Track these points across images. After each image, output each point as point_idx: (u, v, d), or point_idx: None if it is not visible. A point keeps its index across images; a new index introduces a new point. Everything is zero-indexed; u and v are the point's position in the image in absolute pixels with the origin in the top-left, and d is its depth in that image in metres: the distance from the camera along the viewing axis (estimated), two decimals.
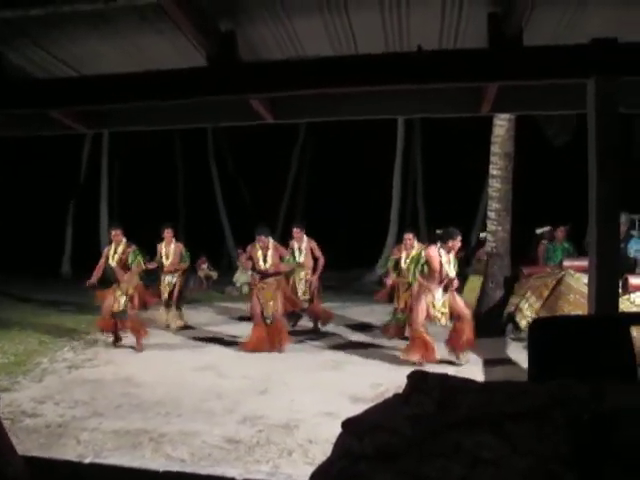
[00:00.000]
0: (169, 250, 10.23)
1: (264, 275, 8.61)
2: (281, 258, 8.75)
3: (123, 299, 8.55)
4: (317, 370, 7.20)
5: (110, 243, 9.00)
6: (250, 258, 8.71)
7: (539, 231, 10.66)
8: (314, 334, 9.50)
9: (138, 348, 8.43)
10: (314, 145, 23.82)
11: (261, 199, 22.82)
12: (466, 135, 16.99)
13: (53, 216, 20.98)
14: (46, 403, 5.88)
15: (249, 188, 24.09)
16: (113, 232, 8.91)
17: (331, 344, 8.80)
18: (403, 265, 8.94)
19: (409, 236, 9.32)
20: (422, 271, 7.50)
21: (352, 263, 18.29)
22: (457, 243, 7.57)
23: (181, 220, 22.89)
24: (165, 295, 10.11)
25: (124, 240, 8.81)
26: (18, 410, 5.60)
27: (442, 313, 7.49)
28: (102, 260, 8.82)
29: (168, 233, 10.27)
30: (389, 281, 9.31)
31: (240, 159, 24.01)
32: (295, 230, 9.88)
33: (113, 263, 8.65)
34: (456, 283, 7.56)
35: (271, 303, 8.41)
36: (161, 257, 10.17)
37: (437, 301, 7.48)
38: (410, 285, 8.12)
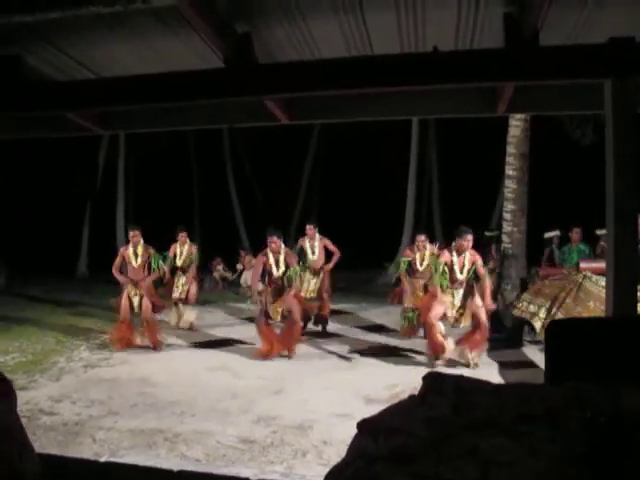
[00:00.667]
0: (183, 251, 10.37)
1: (275, 283, 8.22)
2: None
3: (137, 299, 8.63)
4: (331, 371, 7.19)
5: (127, 243, 9.09)
6: (263, 266, 8.34)
7: (547, 235, 10.53)
8: (326, 335, 9.48)
9: (157, 347, 8.47)
10: (328, 146, 23.78)
11: (275, 201, 22.82)
12: (482, 131, 16.84)
13: (70, 217, 21.16)
14: (63, 402, 5.94)
15: (263, 190, 24.12)
16: (131, 233, 8.99)
17: (345, 345, 8.79)
18: (419, 267, 8.96)
19: (421, 238, 9.37)
20: (443, 274, 7.42)
21: (367, 264, 18.24)
22: (464, 242, 7.39)
23: (196, 221, 22.97)
24: (176, 295, 10.19)
25: (142, 242, 8.88)
26: (36, 408, 5.66)
27: (461, 314, 7.43)
28: (119, 259, 8.87)
29: (182, 236, 10.42)
30: (404, 284, 9.26)
31: (254, 161, 24.06)
32: (308, 227, 9.88)
33: (135, 265, 8.72)
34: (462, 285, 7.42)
35: (280, 309, 8.17)
36: (174, 258, 10.27)
37: (456, 302, 7.42)
38: (427, 286, 8.08)
